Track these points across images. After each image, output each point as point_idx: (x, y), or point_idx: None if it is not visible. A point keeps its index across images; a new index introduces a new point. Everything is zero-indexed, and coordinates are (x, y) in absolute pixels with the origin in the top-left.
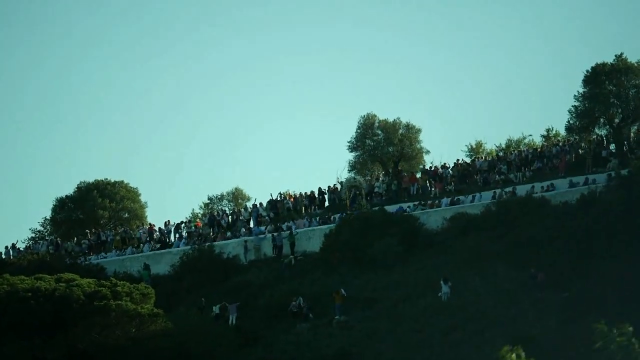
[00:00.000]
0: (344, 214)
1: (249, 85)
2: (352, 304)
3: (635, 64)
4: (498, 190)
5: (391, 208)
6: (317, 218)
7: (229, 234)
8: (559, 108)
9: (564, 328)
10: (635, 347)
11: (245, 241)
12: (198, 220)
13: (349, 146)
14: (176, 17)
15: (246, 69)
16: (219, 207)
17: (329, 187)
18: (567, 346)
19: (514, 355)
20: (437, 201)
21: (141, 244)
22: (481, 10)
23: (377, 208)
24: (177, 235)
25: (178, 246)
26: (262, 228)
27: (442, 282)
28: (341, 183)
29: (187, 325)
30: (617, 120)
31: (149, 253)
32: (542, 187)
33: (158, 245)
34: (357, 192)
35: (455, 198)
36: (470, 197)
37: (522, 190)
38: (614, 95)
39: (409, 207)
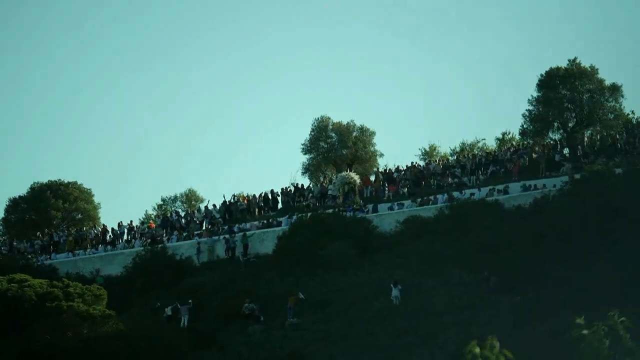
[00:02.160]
0: (336, 210)
1: (202, 85)
2: (305, 306)
3: (589, 69)
4: (455, 193)
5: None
6: (270, 220)
7: (185, 234)
8: (514, 112)
9: (517, 331)
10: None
11: (199, 243)
12: (151, 221)
13: (303, 148)
14: (133, 17)
15: (202, 68)
16: (173, 209)
17: (282, 189)
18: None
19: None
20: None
21: (94, 245)
22: (435, 13)
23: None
24: (129, 237)
25: (130, 247)
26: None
27: (392, 285)
28: (331, 180)
29: (140, 326)
30: (571, 125)
31: (101, 254)
32: (496, 191)
33: (110, 247)
34: (351, 189)
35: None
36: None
37: (475, 194)
38: (567, 100)
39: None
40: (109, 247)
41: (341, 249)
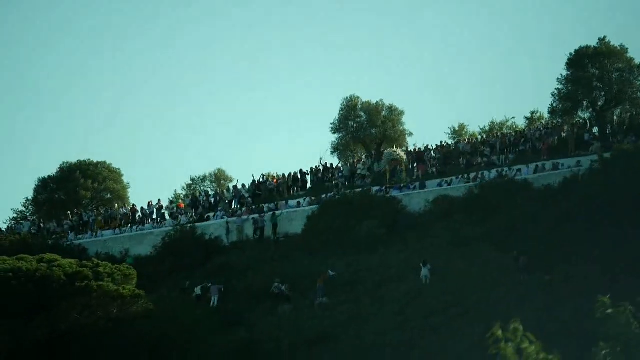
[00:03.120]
0: (383, 188)
1: (232, 67)
2: (334, 286)
3: (618, 48)
4: (483, 172)
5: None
6: (303, 200)
7: (213, 214)
8: (543, 91)
9: (546, 311)
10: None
11: (228, 223)
12: (180, 201)
13: (332, 128)
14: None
15: (229, 50)
16: (202, 189)
17: (311, 169)
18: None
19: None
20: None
21: (123, 225)
22: None
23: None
24: (159, 216)
25: (160, 227)
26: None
27: (421, 265)
28: (377, 157)
29: (169, 306)
30: (600, 104)
31: (131, 234)
32: (525, 170)
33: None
34: (396, 166)
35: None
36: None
37: (505, 173)
38: (597, 79)
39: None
40: (138, 226)
41: (370, 229)
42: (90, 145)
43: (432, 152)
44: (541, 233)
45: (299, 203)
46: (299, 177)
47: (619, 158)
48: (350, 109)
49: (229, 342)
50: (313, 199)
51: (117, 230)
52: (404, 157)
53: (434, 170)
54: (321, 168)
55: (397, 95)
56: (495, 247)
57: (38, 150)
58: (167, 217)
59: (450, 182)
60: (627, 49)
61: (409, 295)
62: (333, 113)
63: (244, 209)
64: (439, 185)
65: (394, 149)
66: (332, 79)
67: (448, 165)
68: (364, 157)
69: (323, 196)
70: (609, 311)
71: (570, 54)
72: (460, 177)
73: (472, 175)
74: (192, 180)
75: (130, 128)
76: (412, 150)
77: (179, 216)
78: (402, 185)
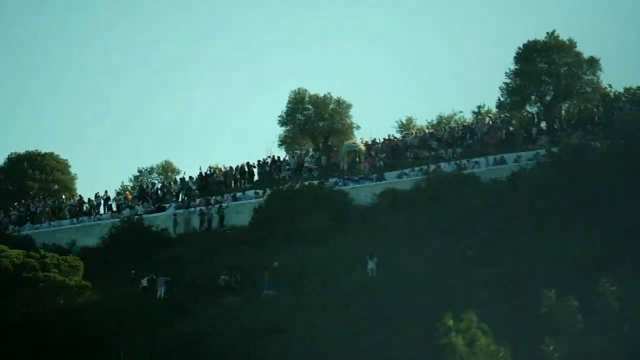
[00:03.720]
0: (341, 179)
1: (180, 57)
2: (281, 279)
3: (567, 42)
4: (431, 166)
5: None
6: (249, 192)
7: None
8: (491, 85)
9: (493, 303)
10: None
11: (175, 214)
12: (128, 192)
13: (280, 121)
14: None
15: (177, 41)
16: (149, 180)
17: (259, 161)
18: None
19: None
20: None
21: (71, 216)
22: None
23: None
24: (106, 208)
25: (108, 219)
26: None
27: (368, 258)
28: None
29: (116, 297)
30: (548, 98)
31: (78, 225)
32: (473, 163)
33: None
34: (355, 157)
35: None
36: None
37: (452, 166)
38: (545, 73)
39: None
40: (85, 217)
41: (317, 221)
42: (37, 136)
43: (379, 145)
44: (488, 226)
45: (246, 195)
46: (247, 169)
47: (567, 152)
48: (297, 101)
49: (176, 333)
50: (260, 191)
51: (64, 221)
52: (364, 148)
53: (381, 163)
54: (269, 160)
55: (345, 88)
56: (443, 240)
57: None
58: (114, 208)
59: (407, 174)
60: (576, 42)
61: (356, 287)
62: (281, 105)
63: (191, 201)
64: (399, 176)
65: (353, 140)
66: (280, 71)
67: (395, 158)
68: (311, 149)
69: (270, 188)
70: (555, 305)
71: (519, 48)
72: (417, 169)
73: (432, 167)
74: (140, 171)
75: (78, 119)
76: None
77: (127, 207)
78: (360, 177)
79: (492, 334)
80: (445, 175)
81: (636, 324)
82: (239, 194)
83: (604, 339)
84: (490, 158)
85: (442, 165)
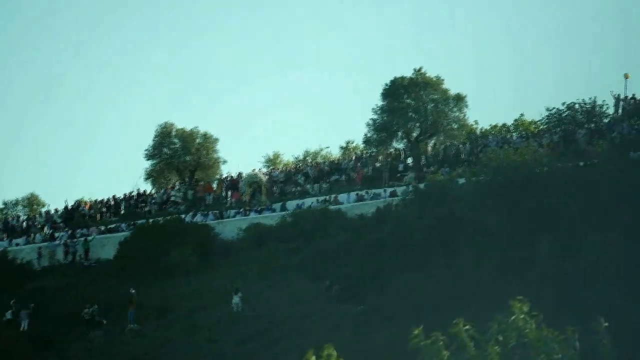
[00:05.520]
0: (241, 210)
1: (45, 87)
2: (146, 313)
3: (434, 79)
4: (297, 201)
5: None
6: (112, 225)
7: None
8: (358, 121)
9: (357, 340)
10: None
11: (40, 247)
12: None
13: (146, 154)
14: None
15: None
16: (14, 213)
17: (125, 194)
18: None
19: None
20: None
21: None
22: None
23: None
24: None
25: None
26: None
27: (233, 292)
28: (239, 177)
29: None
30: (415, 134)
31: None
32: (339, 199)
33: None
34: (257, 188)
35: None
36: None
37: (298, 204)
38: (412, 109)
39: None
40: None
41: (182, 256)
42: None
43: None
44: (354, 262)
45: (111, 229)
46: (112, 202)
47: (433, 188)
48: (164, 135)
49: None
50: (125, 225)
51: None
52: (264, 180)
53: (247, 198)
54: (135, 194)
55: (212, 123)
56: (308, 275)
57: None
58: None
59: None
60: (443, 79)
61: (221, 322)
62: (147, 139)
63: (55, 234)
64: (298, 206)
65: (255, 172)
66: (147, 104)
67: (261, 192)
68: (177, 183)
69: (136, 222)
70: (423, 343)
71: (386, 84)
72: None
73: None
74: (4, 203)
75: None
76: (225, 178)
77: None
78: (261, 208)
79: None
80: (310, 211)
81: None
82: (103, 228)
83: None
84: (354, 194)
85: (308, 200)
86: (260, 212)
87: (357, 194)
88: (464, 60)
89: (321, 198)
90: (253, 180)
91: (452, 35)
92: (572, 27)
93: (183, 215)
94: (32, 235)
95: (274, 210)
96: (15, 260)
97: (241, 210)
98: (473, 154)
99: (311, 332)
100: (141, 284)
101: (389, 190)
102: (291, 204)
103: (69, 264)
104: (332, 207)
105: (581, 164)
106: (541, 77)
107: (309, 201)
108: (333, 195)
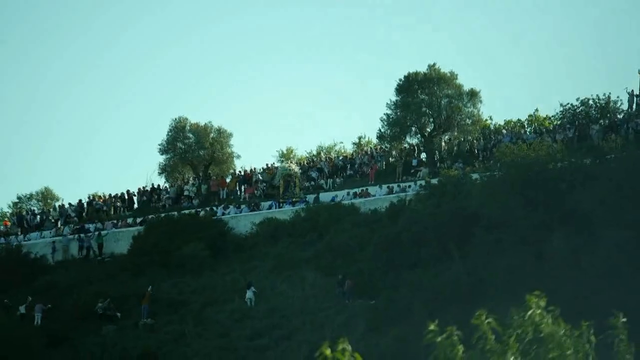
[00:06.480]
0: (276, 202)
1: (60, 83)
2: (159, 307)
3: (448, 74)
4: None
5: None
6: (127, 220)
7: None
8: (371, 116)
9: (370, 335)
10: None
11: (54, 242)
12: (6, 219)
13: (160, 149)
14: None
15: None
16: (28, 207)
17: (139, 189)
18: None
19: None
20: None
21: None
22: (294, 11)
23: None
24: None
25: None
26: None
27: (246, 287)
28: (274, 170)
29: None
30: (428, 130)
31: None
32: (352, 194)
33: None
34: (291, 181)
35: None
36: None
37: (331, 196)
38: (426, 105)
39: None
40: None
41: (195, 250)
42: None
43: (259, 174)
44: (367, 257)
45: (125, 223)
46: (126, 197)
47: (446, 184)
48: (178, 129)
49: None
50: (139, 219)
51: None
52: (298, 172)
53: (261, 192)
54: (148, 189)
55: (226, 117)
56: (321, 270)
57: None
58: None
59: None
60: (457, 75)
61: (234, 317)
62: (161, 134)
63: (69, 228)
64: (332, 200)
65: (288, 163)
66: (161, 99)
67: (275, 188)
68: (191, 178)
69: (149, 216)
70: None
71: (400, 79)
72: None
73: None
74: (19, 198)
75: None
76: (239, 173)
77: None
78: (294, 200)
79: None
80: (324, 206)
81: None
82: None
83: None
84: (370, 189)
85: (340, 193)
86: (293, 204)
87: (388, 187)
88: (478, 56)
89: (352, 191)
90: (287, 173)
91: (467, 31)
92: (587, 23)
93: (196, 210)
94: (46, 229)
95: (307, 203)
96: (29, 254)
97: (348, 192)
98: (487, 149)
99: (324, 327)
100: (154, 279)
101: (403, 185)
102: (325, 196)
103: (82, 258)
104: (345, 202)
105: (596, 160)
106: (555, 72)
107: (340, 194)
108: (363, 188)
